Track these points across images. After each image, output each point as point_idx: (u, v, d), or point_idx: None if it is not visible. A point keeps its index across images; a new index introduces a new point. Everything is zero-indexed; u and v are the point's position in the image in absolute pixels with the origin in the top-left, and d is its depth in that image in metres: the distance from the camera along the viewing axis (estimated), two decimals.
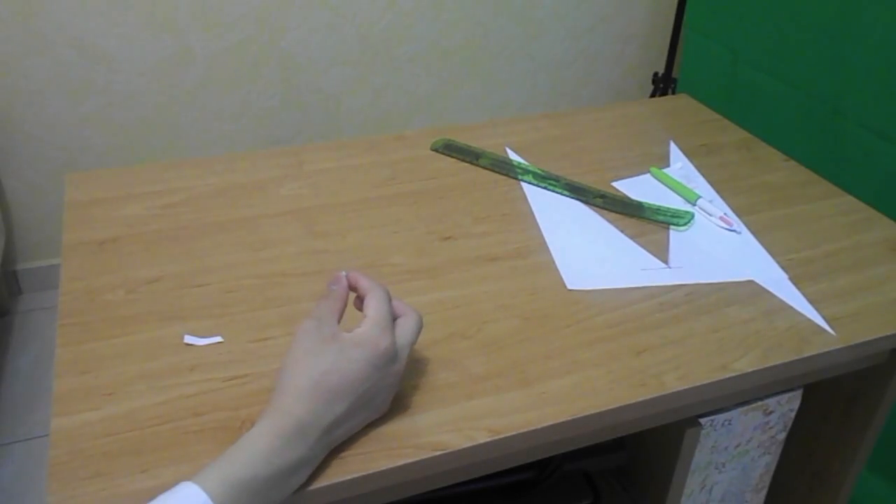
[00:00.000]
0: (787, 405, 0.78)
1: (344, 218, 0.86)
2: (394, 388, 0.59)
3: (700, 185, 0.95)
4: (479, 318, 0.71)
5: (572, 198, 0.91)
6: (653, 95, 2.02)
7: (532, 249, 0.82)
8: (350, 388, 0.55)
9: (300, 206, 0.87)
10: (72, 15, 1.63)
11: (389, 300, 0.61)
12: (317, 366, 0.55)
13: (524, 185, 0.93)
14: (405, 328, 0.60)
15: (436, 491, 0.63)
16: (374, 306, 0.59)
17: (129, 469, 0.56)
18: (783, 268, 0.80)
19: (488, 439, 0.59)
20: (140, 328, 0.69)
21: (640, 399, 0.63)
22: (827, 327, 0.72)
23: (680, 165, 0.99)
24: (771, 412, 0.77)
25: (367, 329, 0.57)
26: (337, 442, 0.56)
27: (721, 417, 0.74)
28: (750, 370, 0.67)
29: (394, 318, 0.60)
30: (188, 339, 0.67)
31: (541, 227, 0.86)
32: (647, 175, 0.97)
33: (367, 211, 0.88)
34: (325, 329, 0.57)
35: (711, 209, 0.89)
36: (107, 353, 0.66)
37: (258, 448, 0.51)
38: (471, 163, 0.98)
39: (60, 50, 1.66)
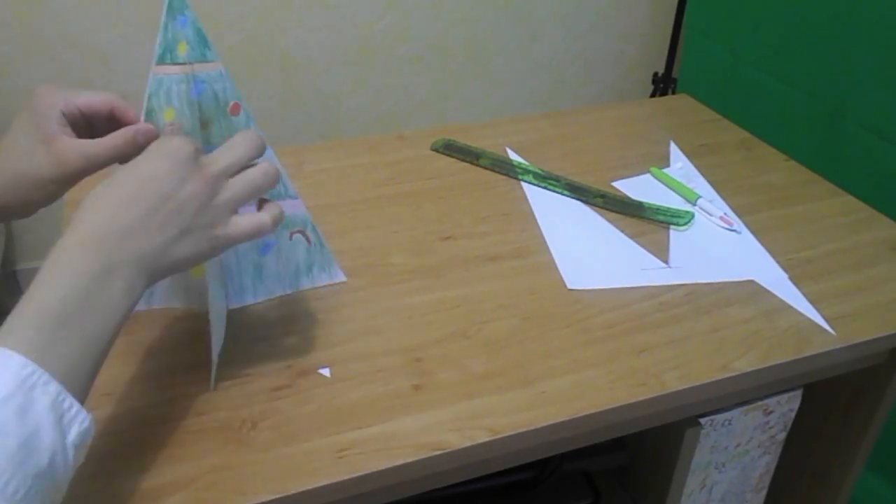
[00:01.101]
0: (787, 405, 0.78)
1: (344, 218, 0.86)
2: (213, 210, 0.53)
3: (700, 184, 0.95)
4: (479, 318, 0.71)
5: (572, 198, 0.91)
6: (653, 95, 2.02)
7: (532, 249, 0.82)
8: (143, 189, 0.51)
9: None
10: (72, 15, 1.63)
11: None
12: (116, 174, 0.52)
13: (524, 185, 0.93)
14: (229, 144, 0.56)
15: (436, 491, 0.63)
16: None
17: (130, 468, 0.56)
18: (783, 268, 0.80)
19: (488, 439, 0.59)
20: (139, 328, 0.69)
21: (640, 399, 0.63)
22: (827, 327, 0.72)
23: (680, 165, 0.99)
24: (771, 412, 0.77)
25: (158, 140, 0.55)
26: (156, 259, 0.51)
27: (721, 417, 0.74)
28: (750, 370, 0.67)
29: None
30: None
31: (541, 227, 0.86)
32: (647, 175, 0.97)
33: (367, 211, 0.88)
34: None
35: (711, 209, 0.89)
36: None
37: (49, 270, 0.47)
38: (471, 163, 0.98)
39: (60, 50, 1.66)
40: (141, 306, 0.68)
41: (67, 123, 0.59)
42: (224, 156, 0.55)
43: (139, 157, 0.53)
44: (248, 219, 0.56)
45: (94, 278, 0.47)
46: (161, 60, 0.62)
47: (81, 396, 0.46)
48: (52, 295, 0.46)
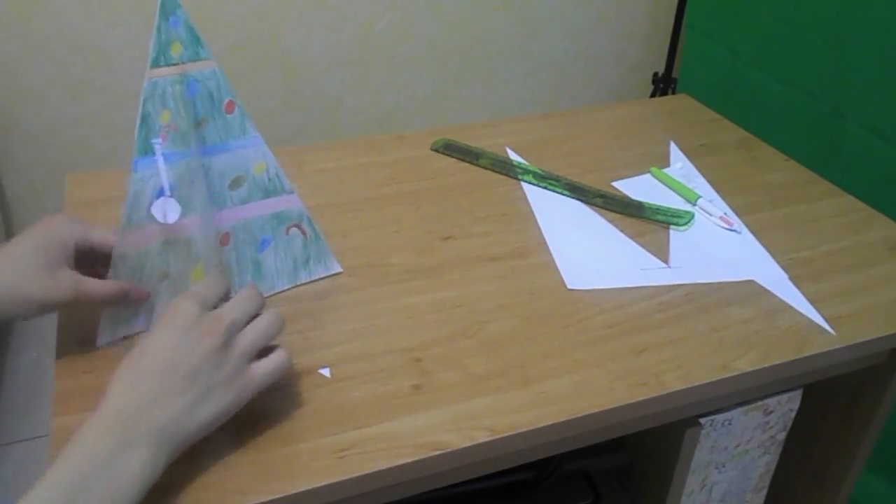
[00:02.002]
0: (787, 405, 0.78)
1: (344, 218, 0.86)
2: (229, 363, 0.55)
3: (700, 184, 0.95)
4: (479, 318, 0.72)
5: (572, 198, 0.91)
6: (653, 95, 2.02)
7: (532, 249, 0.82)
8: (154, 362, 0.53)
9: None
10: (72, 15, 1.63)
11: (222, 286, 0.59)
12: (131, 351, 0.54)
13: (524, 185, 0.93)
14: (232, 302, 0.58)
15: (436, 491, 0.63)
16: (196, 285, 0.58)
17: None
18: (783, 267, 0.80)
19: (488, 439, 0.59)
20: (139, 327, 0.68)
21: (640, 399, 0.63)
22: (827, 327, 0.72)
23: (680, 165, 0.99)
24: (771, 412, 0.77)
25: (169, 304, 0.56)
26: (176, 428, 0.52)
27: (721, 417, 0.74)
28: (750, 370, 0.67)
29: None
30: None
31: (541, 227, 0.86)
32: (647, 175, 0.97)
33: (367, 211, 0.88)
34: None
35: (711, 209, 0.89)
36: (107, 352, 0.66)
37: (70, 445, 0.49)
38: (471, 163, 0.98)
39: (60, 50, 1.66)
40: (141, 328, 0.68)
41: (73, 256, 0.62)
42: (230, 312, 0.56)
43: (150, 334, 0.55)
44: (265, 362, 0.57)
45: (113, 452, 0.49)
46: (155, 63, 0.62)
47: None
48: (71, 469, 0.48)
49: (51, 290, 0.60)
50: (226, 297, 0.59)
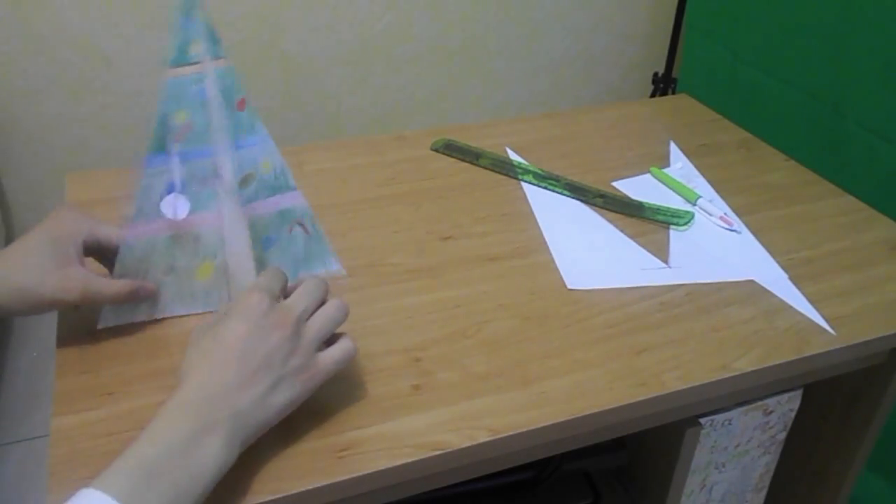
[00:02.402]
0: (787, 405, 0.78)
1: (344, 218, 0.86)
2: (300, 352, 0.56)
3: (700, 184, 0.95)
4: (479, 317, 0.72)
5: (572, 198, 0.91)
6: (653, 95, 2.02)
7: (532, 249, 0.82)
8: (229, 351, 0.54)
9: None
10: (72, 15, 1.63)
11: (283, 277, 0.60)
12: (200, 341, 0.55)
13: (524, 185, 0.93)
14: (300, 291, 0.59)
15: (436, 491, 0.63)
16: (260, 276, 0.60)
17: None
18: (783, 267, 0.80)
19: (488, 439, 0.59)
20: (140, 327, 0.69)
21: (640, 399, 0.63)
22: (827, 327, 0.72)
23: (680, 165, 0.99)
24: (771, 412, 0.77)
25: (238, 296, 0.58)
26: (253, 414, 0.53)
27: (721, 417, 0.74)
28: (750, 370, 0.67)
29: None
30: None
31: (541, 226, 0.86)
32: (647, 175, 0.97)
33: (367, 211, 0.88)
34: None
35: (711, 209, 0.89)
36: (107, 352, 0.66)
37: (151, 427, 0.50)
38: (471, 163, 0.98)
39: (60, 50, 1.66)
40: (143, 316, 0.69)
41: (83, 252, 0.63)
42: (299, 302, 0.58)
43: (220, 321, 0.56)
44: (333, 351, 0.59)
45: (191, 437, 0.50)
46: (176, 62, 0.62)
47: None
48: (151, 449, 0.48)
49: (61, 290, 0.61)
50: (285, 288, 0.60)
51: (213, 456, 0.50)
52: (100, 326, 0.67)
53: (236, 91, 0.65)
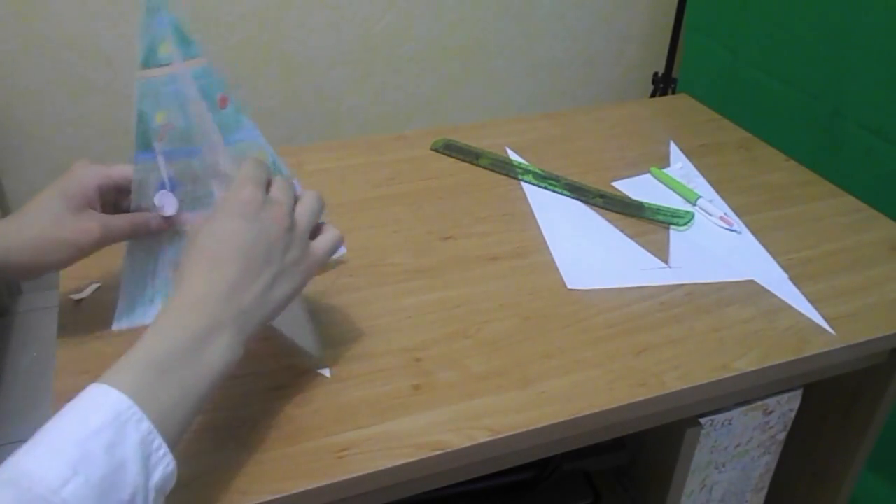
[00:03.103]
0: (787, 405, 0.78)
1: (344, 218, 0.86)
2: (296, 244, 0.57)
3: (700, 184, 0.95)
4: (479, 318, 0.72)
5: (572, 198, 0.91)
6: (653, 95, 2.02)
7: (532, 249, 0.82)
8: (230, 249, 0.53)
9: None
10: (72, 15, 1.63)
11: (266, 167, 0.59)
12: (197, 240, 0.55)
13: (524, 184, 0.93)
14: (277, 186, 0.58)
15: (436, 491, 0.63)
16: (243, 168, 0.58)
17: None
18: (783, 267, 0.80)
19: (488, 439, 0.59)
20: (141, 328, 0.68)
21: (640, 399, 0.63)
22: (827, 327, 0.72)
23: (680, 165, 0.99)
24: (771, 412, 0.77)
25: (227, 190, 0.57)
26: (256, 310, 0.54)
27: (721, 417, 0.74)
28: (750, 370, 0.67)
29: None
30: None
31: (541, 227, 0.86)
32: (647, 175, 0.97)
33: (367, 211, 0.88)
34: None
35: (711, 209, 0.89)
36: (107, 352, 0.66)
37: (157, 325, 0.50)
38: (471, 163, 0.98)
39: (60, 50, 1.66)
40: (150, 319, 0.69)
41: (99, 199, 0.64)
42: (283, 194, 0.58)
43: (215, 219, 0.55)
44: (323, 239, 0.60)
45: (199, 335, 0.50)
46: (145, 63, 0.62)
47: (171, 444, 0.47)
48: (159, 346, 0.49)
49: (81, 231, 0.62)
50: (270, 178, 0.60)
51: (219, 355, 0.51)
52: (114, 328, 0.67)
53: (216, 89, 0.65)
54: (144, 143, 0.64)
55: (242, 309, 0.53)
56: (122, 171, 0.66)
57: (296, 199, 0.59)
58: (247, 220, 0.54)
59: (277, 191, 0.58)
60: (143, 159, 0.65)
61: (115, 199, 0.67)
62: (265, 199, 0.56)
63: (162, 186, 0.66)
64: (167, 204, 0.66)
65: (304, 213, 0.58)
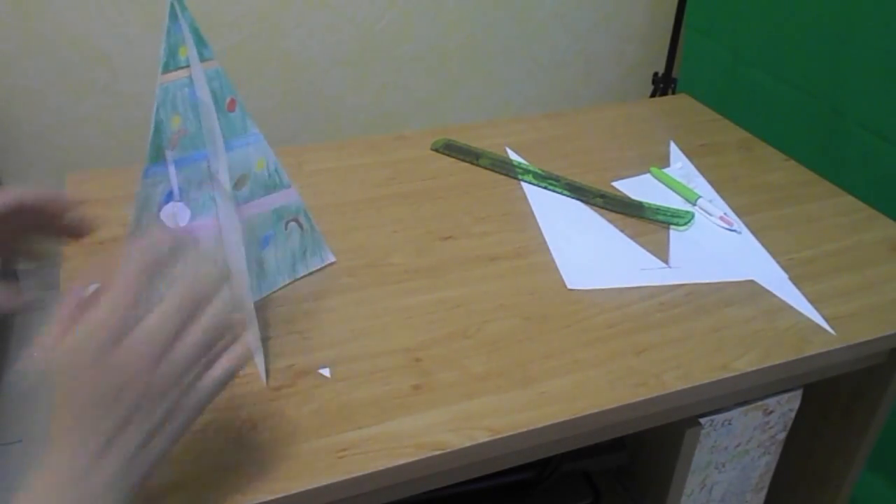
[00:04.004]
0: (787, 405, 0.78)
1: (344, 218, 0.86)
2: (168, 382, 0.45)
3: (700, 185, 0.95)
4: (479, 318, 0.72)
5: (572, 198, 0.91)
6: (653, 95, 2.02)
7: (532, 249, 0.82)
8: (84, 406, 0.43)
9: None
10: (72, 15, 1.63)
11: (158, 256, 0.47)
12: (54, 379, 0.44)
13: (524, 185, 0.93)
14: (174, 291, 0.45)
15: (436, 491, 0.63)
16: (124, 264, 0.46)
17: None
18: (783, 268, 0.80)
19: (488, 439, 0.59)
20: None
21: (640, 399, 0.63)
22: (827, 327, 0.72)
23: (680, 165, 0.99)
24: (771, 412, 0.77)
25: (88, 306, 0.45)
26: (130, 474, 0.44)
27: (721, 417, 0.74)
28: (750, 370, 0.67)
29: None
30: None
31: (541, 227, 0.86)
32: (647, 175, 0.97)
33: (367, 211, 0.88)
34: None
35: (711, 209, 0.89)
36: None
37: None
38: (471, 163, 0.98)
39: (60, 50, 1.66)
40: None
41: None
42: (170, 304, 0.45)
43: (66, 352, 0.44)
44: (219, 366, 0.47)
45: None
46: (166, 68, 0.62)
47: None
48: None
49: None
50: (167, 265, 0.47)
51: None
52: None
53: (227, 92, 0.65)
54: (157, 155, 0.63)
55: (107, 482, 0.43)
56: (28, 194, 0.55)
57: (202, 297, 0.46)
58: (97, 360, 0.43)
59: (168, 298, 0.45)
60: (153, 173, 0.64)
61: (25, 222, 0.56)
62: (131, 319, 0.44)
63: (169, 198, 0.65)
64: (179, 214, 0.66)
65: (194, 332, 0.45)
